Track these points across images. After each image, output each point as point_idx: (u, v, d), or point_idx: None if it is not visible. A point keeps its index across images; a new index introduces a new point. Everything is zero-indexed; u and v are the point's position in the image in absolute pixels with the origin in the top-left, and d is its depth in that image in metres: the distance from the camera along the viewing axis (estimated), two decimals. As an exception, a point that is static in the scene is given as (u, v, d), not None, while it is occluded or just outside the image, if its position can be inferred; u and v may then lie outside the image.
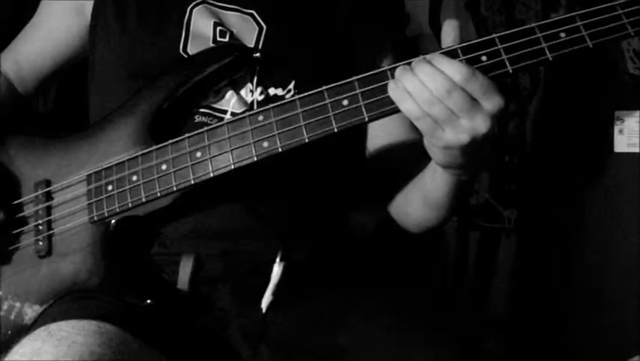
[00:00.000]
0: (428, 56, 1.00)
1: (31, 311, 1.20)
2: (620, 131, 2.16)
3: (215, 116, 1.24)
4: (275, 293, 1.19)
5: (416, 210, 1.28)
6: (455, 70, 0.97)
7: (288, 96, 1.25)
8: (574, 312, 2.22)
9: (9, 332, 1.20)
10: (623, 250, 2.10)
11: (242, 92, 1.26)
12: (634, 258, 2.05)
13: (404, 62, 1.03)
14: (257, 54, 1.28)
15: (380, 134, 1.34)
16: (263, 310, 1.19)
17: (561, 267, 2.27)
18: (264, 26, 1.30)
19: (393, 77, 1.02)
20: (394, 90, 1.01)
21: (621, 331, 2.04)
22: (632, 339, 1.96)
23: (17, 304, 1.21)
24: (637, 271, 2.03)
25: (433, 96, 0.97)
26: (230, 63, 1.23)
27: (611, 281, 2.12)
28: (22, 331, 1.16)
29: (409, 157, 1.30)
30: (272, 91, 1.26)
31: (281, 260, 1.20)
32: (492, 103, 0.98)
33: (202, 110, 1.24)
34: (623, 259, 2.09)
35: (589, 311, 2.16)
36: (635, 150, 2.13)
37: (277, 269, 1.19)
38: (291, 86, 1.27)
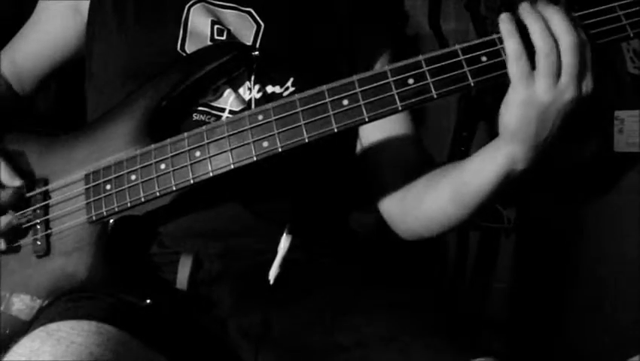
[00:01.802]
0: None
1: (18, 300, 1.20)
2: (620, 130, 2.16)
3: (213, 115, 1.23)
4: (282, 266, 1.18)
5: (436, 205, 1.21)
6: (581, 32, 1.01)
7: (285, 94, 1.26)
8: (574, 312, 2.22)
9: (7, 331, 1.20)
10: (622, 249, 2.10)
11: (240, 90, 1.25)
12: (634, 258, 2.05)
13: (404, 61, 1.04)
14: (256, 52, 1.27)
15: (375, 131, 1.33)
16: (271, 282, 1.19)
17: (560, 267, 2.27)
18: (262, 24, 1.30)
19: (393, 76, 1.03)
20: (506, 24, 1.01)
21: (621, 331, 2.04)
22: (632, 339, 1.96)
23: (7, 294, 1.21)
24: (637, 271, 2.03)
25: (555, 44, 0.99)
26: (228, 61, 1.22)
27: (610, 281, 2.12)
28: (18, 326, 1.16)
29: (408, 148, 1.30)
30: (269, 89, 1.26)
31: (288, 233, 1.19)
32: (591, 77, 1.01)
33: (200, 108, 1.24)
34: (623, 258, 2.09)
35: (588, 311, 2.17)
36: (635, 149, 2.13)
37: (284, 242, 1.19)
38: (289, 83, 1.26)
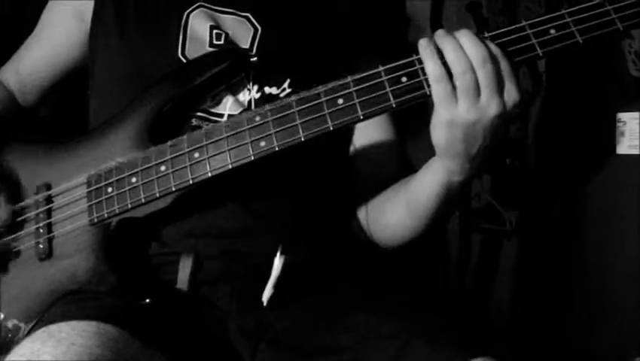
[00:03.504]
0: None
1: (12, 325, 1.21)
2: (622, 133, 2.15)
3: (211, 120, 1.24)
4: (276, 287, 1.19)
5: (394, 218, 1.27)
6: (491, 45, 1.02)
7: (282, 95, 1.27)
8: (575, 313, 2.21)
9: (9, 335, 1.20)
10: (624, 251, 2.09)
11: (239, 95, 1.27)
12: (635, 259, 2.04)
13: (401, 61, 1.05)
14: (255, 58, 1.28)
15: (356, 137, 1.35)
16: (264, 304, 1.19)
17: (562, 269, 2.26)
18: (259, 28, 1.32)
19: (386, 75, 1.05)
20: (425, 48, 1.03)
21: (622, 332, 2.03)
22: (633, 340, 1.96)
23: (2, 315, 1.22)
24: (638, 273, 2.02)
25: (468, 62, 1.00)
26: (227, 68, 1.23)
27: (612, 283, 2.11)
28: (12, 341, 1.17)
29: (384, 159, 1.33)
30: (267, 90, 1.27)
31: (281, 254, 1.20)
32: (511, 89, 1.02)
33: (198, 114, 1.25)
34: (625, 260, 2.08)
35: (590, 313, 2.16)
36: (636, 151, 2.12)
37: (278, 262, 1.19)
38: (286, 85, 1.28)
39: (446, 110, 1.02)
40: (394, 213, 1.26)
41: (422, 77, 1.04)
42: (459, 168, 1.10)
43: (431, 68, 1.02)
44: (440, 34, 1.03)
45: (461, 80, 1.00)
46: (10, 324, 1.21)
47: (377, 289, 1.27)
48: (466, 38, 1.02)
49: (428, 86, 1.04)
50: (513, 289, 2.41)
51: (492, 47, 1.02)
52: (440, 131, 1.05)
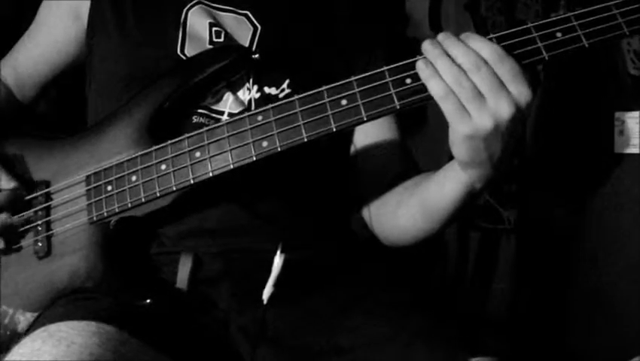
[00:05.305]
0: (461, 35, 1.01)
1: (24, 319, 1.20)
2: (620, 132, 2.16)
3: (212, 118, 1.24)
4: (276, 285, 1.19)
5: (406, 220, 1.25)
6: (487, 47, 0.99)
7: (282, 95, 1.27)
8: (574, 312, 2.22)
9: (7, 333, 1.20)
10: (623, 250, 2.10)
11: (240, 93, 1.26)
12: (634, 258, 2.05)
13: (405, 62, 1.04)
14: (256, 55, 1.28)
15: (360, 137, 1.35)
16: (265, 302, 1.18)
17: (560, 268, 2.27)
18: (259, 27, 1.31)
19: (391, 76, 1.03)
20: (423, 70, 1.00)
21: (621, 331, 2.04)
22: (633, 340, 1.96)
23: (11, 310, 1.21)
24: (637, 272, 2.03)
25: (461, 71, 0.98)
26: (228, 64, 1.23)
27: (611, 282, 2.12)
28: (15, 336, 1.16)
29: (388, 158, 1.32)
30: (267, 90, 1.27)
31: (282, 252, 1.19)
32: (519, 89, 0.98)
33: (199, 110, 1.24)
34: (623, 259, 2.09)
35: (589, 312, 2.17)
36: (635, 150, 2.13)
37: (278, 261, 1.19)
38: (285, 85, 1.27)
39: (461, 124, 0.99)
40: (407, 216, 1.24)
41: None
42: (482, 176, 1.08)
43: (434, 88, 0.99)
44: (428, 49, 1.01)
45: (459, 90, 0.98)
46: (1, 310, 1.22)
47: (377, 288, 1.27)
48: (454, 49, 0.99)
49: None
50: (510, 287, 2.41)
51: (487, 49, 0.99)
52: (461, 146, 1.02)
